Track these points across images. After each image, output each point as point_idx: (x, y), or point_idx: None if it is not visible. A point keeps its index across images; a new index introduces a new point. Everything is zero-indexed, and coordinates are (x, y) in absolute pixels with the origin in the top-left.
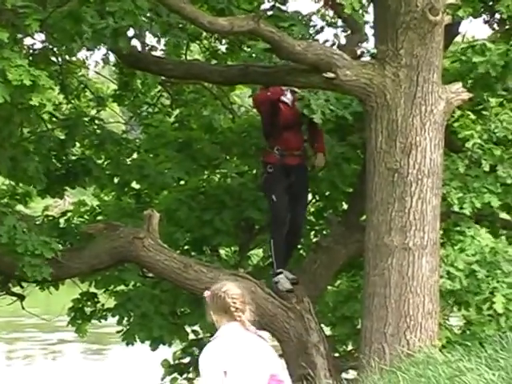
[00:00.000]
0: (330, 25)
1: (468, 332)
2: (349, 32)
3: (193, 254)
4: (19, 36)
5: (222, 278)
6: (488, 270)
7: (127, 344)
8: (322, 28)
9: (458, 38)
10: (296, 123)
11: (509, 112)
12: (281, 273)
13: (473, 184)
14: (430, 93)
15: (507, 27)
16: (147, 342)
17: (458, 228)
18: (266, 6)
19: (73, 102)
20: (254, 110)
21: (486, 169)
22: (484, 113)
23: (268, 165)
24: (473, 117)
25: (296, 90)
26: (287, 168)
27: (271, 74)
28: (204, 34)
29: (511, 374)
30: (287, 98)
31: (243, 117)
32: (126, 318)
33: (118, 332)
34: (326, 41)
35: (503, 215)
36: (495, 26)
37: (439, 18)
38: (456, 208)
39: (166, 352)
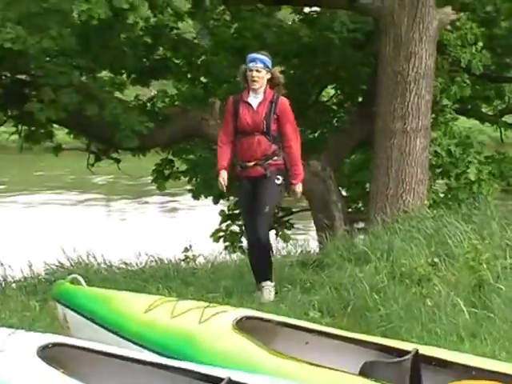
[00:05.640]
0: None
1: (449, 195)
2: None
3: None
4: None
5: None
6: (464, 148)
7: (194, 198)
8: None
9: None
10: (257, 130)
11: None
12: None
13: (455, 78)
14: (426, 14)
15: None
16: (209, 198)
17: (442, 118)
18: None
19: (158, 16)
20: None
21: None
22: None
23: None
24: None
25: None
26: (251, 181)
27: None
28: None
29: (481, 227)
30: (254, 98)
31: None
32: (194, 179)
33: (189, 191)
34: None
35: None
36: None
37: None
38: (444, 99)
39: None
